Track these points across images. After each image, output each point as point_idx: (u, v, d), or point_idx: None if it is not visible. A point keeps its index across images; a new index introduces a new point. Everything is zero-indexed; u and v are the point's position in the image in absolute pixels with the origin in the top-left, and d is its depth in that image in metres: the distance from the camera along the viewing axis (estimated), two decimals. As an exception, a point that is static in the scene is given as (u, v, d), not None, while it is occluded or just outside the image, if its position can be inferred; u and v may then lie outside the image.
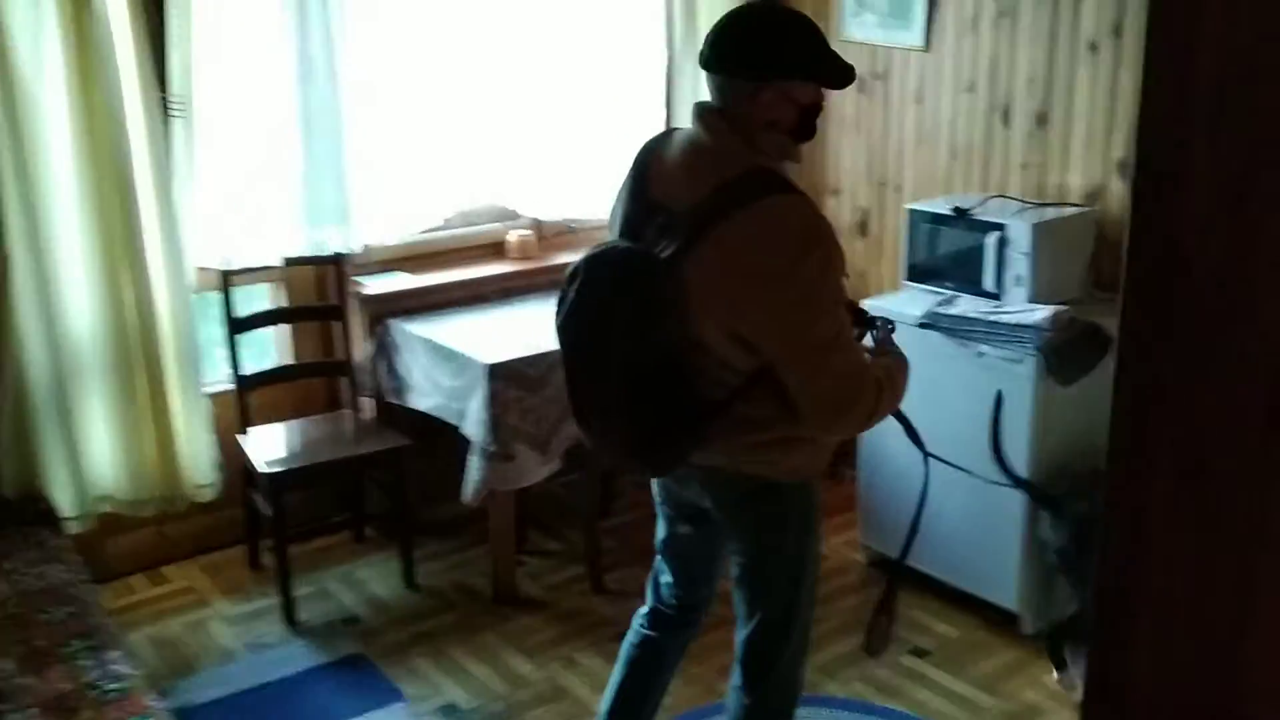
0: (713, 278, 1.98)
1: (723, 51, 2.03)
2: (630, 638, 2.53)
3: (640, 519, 4.14)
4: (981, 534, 3.32)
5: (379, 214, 3.81)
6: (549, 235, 4.25)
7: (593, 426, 2.16)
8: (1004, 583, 3.32)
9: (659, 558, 2.48)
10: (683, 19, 4.14)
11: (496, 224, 4.19)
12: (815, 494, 2.26)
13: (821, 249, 1.99)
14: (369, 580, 3.73)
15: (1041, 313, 3.13)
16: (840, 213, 4.29)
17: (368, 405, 3.84)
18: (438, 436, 3.58)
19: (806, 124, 2.07)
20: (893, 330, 2.26)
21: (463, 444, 3.41)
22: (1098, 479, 2.93)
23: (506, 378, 3.35)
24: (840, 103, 4.12)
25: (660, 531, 2.45)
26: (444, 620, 3.50)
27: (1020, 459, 3.16)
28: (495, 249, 4.13)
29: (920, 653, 3.31)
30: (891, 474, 3.48)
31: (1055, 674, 3.13)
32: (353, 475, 3.80)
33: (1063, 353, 3.09)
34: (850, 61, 2.09)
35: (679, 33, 4.15)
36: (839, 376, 2.01)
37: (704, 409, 2.05)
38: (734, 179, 1.99)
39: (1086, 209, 3.45)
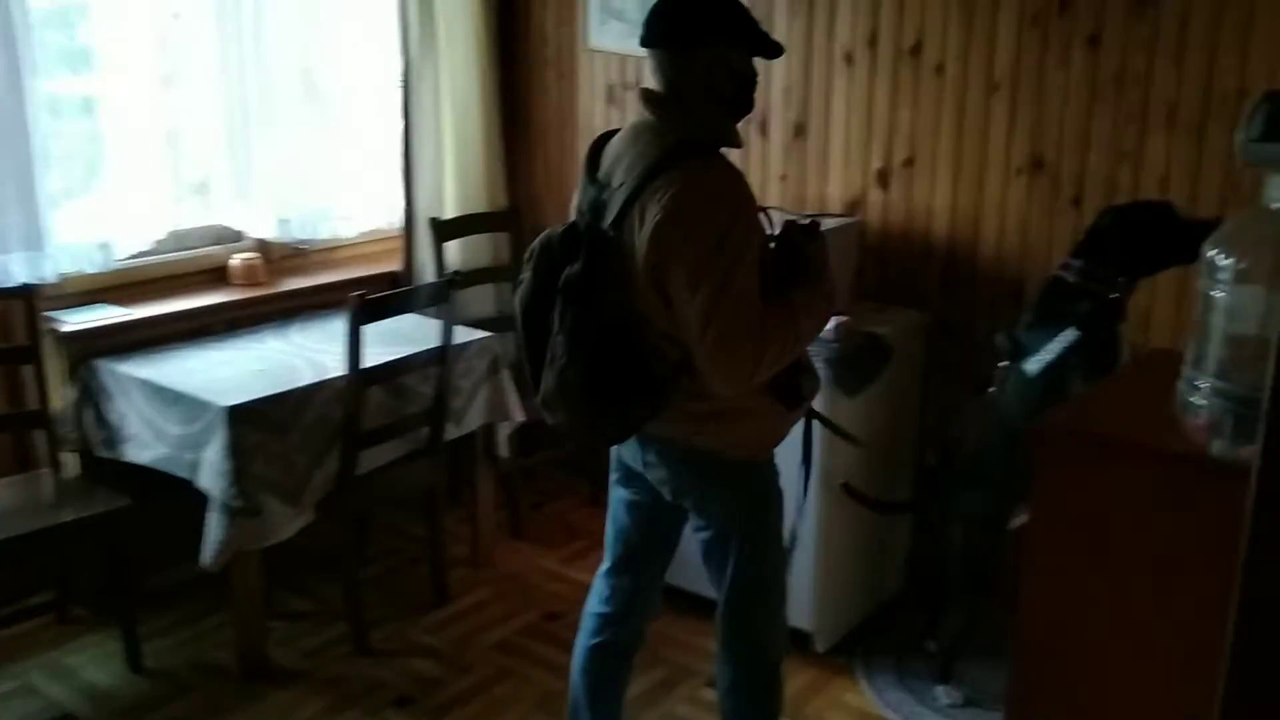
0: (640, 238, 2.08)
1: (658, 25, 2.14)
2: (578, 642, 2.57)
3: (403, 564, 3.81)
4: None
5: (76, 237, 3.32)
6: (277, 258, 3.87)
7: (551, 406, 2.20)
8: (795, 601, 3.23)
9: (607, 548, 2.54)
10: (419, 24, 3.86)
11: (216, 247, 3.77)
12: (768, 472, 2.34)
13: (729, 206, 2.07)
14: (83, 668, 3.19)
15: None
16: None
17: (71, 462, 3.31)
18: (160, 492, 3.12)
19: (743, 94, 2.18)
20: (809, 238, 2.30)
21: (191, 499, 2.98)
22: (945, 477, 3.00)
23: (249, 421, 2.95)
24: (589, 113, 3.95)
25: (610, 508, 2.52)
26: (182, 706, 3.04)
27: (818, 471, 3.09)
28: (217, 275, 3.72)
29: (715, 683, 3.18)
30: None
31: (941, 687, 3.09)
32: (55, 546, 3.22)
33: (847, 364, 3.06)
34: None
35: (415, 37, 3.86)
36: (733, 318, 2.03)
37: (652, 382, 2.15)
38: (668, 149, 2.08)
39: (850, 219, 3.45)
